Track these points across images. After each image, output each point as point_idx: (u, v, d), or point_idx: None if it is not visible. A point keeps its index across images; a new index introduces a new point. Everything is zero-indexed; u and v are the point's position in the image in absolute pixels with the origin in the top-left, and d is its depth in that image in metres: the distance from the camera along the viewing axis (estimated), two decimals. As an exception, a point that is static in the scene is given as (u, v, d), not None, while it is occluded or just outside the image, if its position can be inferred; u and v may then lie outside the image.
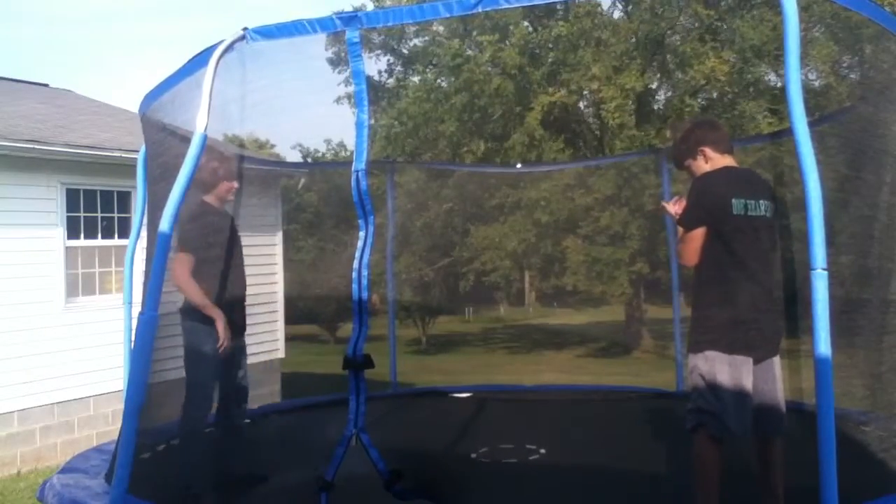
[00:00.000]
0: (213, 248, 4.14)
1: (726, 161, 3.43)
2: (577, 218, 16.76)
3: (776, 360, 3.35)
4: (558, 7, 16.22)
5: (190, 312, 4.13)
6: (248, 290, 4.44)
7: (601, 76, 15.32)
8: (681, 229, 3.39)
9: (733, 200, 3.24)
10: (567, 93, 15.95)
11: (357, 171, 3.14)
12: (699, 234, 3.28)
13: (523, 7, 11.63)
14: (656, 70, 17.26)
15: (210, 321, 4.04)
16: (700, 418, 3.22)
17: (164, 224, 3.18)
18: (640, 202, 15.79)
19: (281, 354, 10.35)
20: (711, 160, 3.43)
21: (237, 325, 4.28)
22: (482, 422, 6.09)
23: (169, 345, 4.06)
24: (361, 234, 3.27)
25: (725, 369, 3.18)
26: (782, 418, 3.33)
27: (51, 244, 7.84)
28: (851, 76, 14.58)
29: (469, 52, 16.86)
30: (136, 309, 3.34)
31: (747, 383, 3.19)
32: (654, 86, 17.87)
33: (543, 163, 15.33)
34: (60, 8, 65.90)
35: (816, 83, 14.86)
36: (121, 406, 3.48)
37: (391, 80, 19.66)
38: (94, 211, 8.29)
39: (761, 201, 3.31)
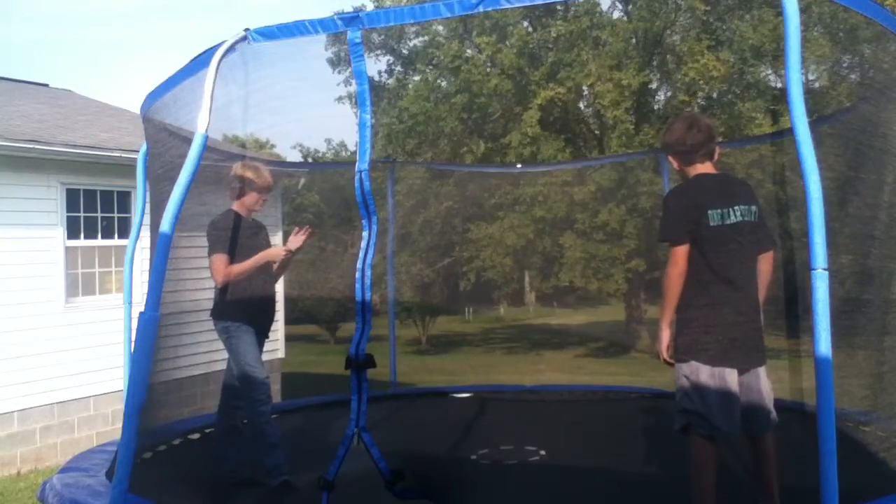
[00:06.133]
0: (240, 254, 4.21)
1: (704, 168, 3.41)
2: (575, 213, 16.75)
3: (762, 370, 3.33)
4: (558, 7, 16.22)
5: (220, 313, 4.22)
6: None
7: (597, 72, 15.33)
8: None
9: (709, 212, 3.23)
10: (565, 90, 15.94)
11: (360, 171, 3.13)
12: (682, 252, 3.23)
13: (524, 7, 11.68)
14: (655, 69, 17.26)
15: (240, 316, 4.15)
16: (687, 418, 3.26)
17: (165, 225, 3.17)
18: (638, 201, 15.78)
19: (281, 354, 10.35)
20: (687, 166, 3.43)
21: (264, 329, 4.39)
22: (482, 422, 6.09)
23: (170, 345, 4.07)
24: (365, 233, 3.25)
25: (708, 373, 3.21)
26: (769, 414, 3.33)
27: (51, 244, 7.83)
28: (851, 77, 14.59)
29: (468, 52, 16.86)
30: (137, 309, 3.34)
31: (731, 385, 3.21)
32: (653, 86, 17.87)
33: (543, 163, 15.31)
34: (60, 8, 65.87)
35: (816, 84, 14.88)
36: (121, 406, 3.48)
37: (391, 81, 19.67)
38: (94, 211, 8.29)
39: (736, 208, 3.28)
